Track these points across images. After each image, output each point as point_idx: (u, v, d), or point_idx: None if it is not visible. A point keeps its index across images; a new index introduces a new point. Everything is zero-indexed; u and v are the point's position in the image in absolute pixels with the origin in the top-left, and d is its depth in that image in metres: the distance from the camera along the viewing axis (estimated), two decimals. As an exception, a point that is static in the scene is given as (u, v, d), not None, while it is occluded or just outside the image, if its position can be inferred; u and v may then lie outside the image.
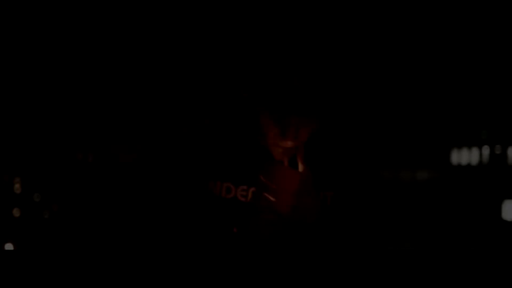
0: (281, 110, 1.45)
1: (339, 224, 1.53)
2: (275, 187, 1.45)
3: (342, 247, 1.52)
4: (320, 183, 1.55)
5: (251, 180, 1.54)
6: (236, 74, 1.61)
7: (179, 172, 1.65)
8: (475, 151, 53.50)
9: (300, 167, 1.51)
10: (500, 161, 50.98)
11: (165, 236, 1.61)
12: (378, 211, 1.67)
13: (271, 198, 1.46)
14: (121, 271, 1.67)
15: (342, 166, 1.65)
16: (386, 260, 1.64)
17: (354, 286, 1.54)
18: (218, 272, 1.53)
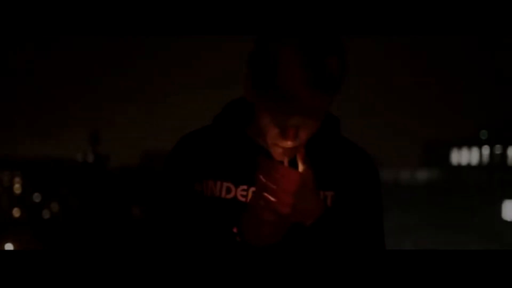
0: (281, 111, 1.45)
1: (339, 224, 1.52)
2: (275, 187, 1.45)
3: (342, 247, 1.52)
4: (320, 183, 1.55)
5: (251, 180, 1.54)
6: (237, 74, 1.61)
7: (179, 172, 1.65)
8: (475, 151, 53.54)
9: (300, 167, 1.51)
10: (500, 161, 50.98)
11: (165, 236, 1.61)
12: (378, 211, 1.67)
13: (271, 198, 1.46)
14: (121, 271, 1.67)
15: (342, 166, 1.65)
16: (386, 260, 1.64)
17: (353, 286, 1.54)
18: (218, 272, 1.53)
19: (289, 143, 1.49)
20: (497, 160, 51.11)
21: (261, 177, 1.47)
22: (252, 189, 1.57)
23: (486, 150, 52.23)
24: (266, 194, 1.46)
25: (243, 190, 1.60)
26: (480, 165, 52.47)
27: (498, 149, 51.23)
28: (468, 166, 53.63)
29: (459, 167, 54.40)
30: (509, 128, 50.20)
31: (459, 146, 54.56)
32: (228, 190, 1.60)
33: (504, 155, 50.81)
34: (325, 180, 1.60)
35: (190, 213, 1.61)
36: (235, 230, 1.51)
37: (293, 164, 1.51)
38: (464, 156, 54.33)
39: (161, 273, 1.57)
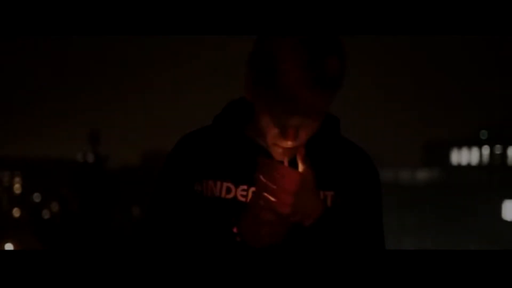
0: (281, 111, 1.45)
1: (339, 224, 1.52)
2: (275, 187, 1.45)
3: (342, 247, 1.52)
4: (320, 183, 1.55)
5: (251, 180, 1.54)
6: (237, 74, 1.61)
7: (179, 172, 1.65)
8: (475, 151, 53.51)
9: (300, 167, 1.51)
10: (500, 161, 50.96)
11: (165, 236, 1.61)
12: (378, 211, 1.67)
13: (271, 198, 1.46)
14: (121, 271, 1.67)
15: (342, 166, 1.65)
16: (386, 260, 1.64)
17: (353, 286, 1.54)
18: (218, 272, 1.53)
19: (289, 143, 1.49)
20: (497, 160, 51.09)
21: (261, 177, 1.47)
22: (252, 189, 1.57)
23: (486, 150, 52.22)
24: (266, 194, 1.46)
25: (243, 190, 1.60)
26: (480, 165, 52.45)
27: (498, 149, 51.21)
28: (468, 166, 53.61)
29: (459, 167, 54.38)
30: (509, 128, 50.19)
31: (459, 146, 54.54)
32: (228, 190, 1.60)
33: (504, 155, 50.80)
34: (325, 180, 1.60)
35: (190, 213, 1.61)
36: (235, 230, 1.51)
37: (293, 164, 1.51)
38: (464, 156, 54.31)
39: (161, 273, 1.57)
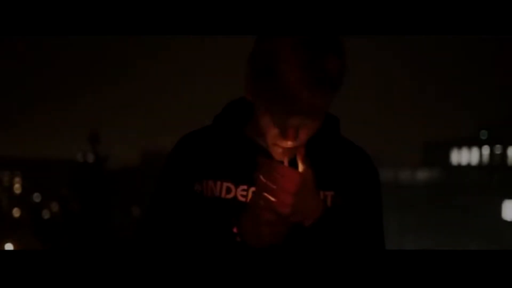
0: (281, 111, 1.46)
1: (339, 224, 1.53)
2: (275, 187, 1.45)
3: (342, 247, 1.52)
4: (320, 183, 1.55)
5: (251, 180, 1.54)
6: (237, 73, 1.61)
7: (179, 172, 1.65)
8: (475, 151, 53.50)
9: (300, 167, 1.51)
10: (500, 161, 50.94)
11: (165, 236, 1.61)
12: (378, 211, 1.67)
13: (271, 198, 1.46)
14: (121, 271, 1.67)
15: (342, 166, 1.65)
16: (386, 260, 1.64)
17: (353, 286, 1.54)
18: (218, 273, 1.53)
19: (289, 143, 1.49)
20: (497, 160, 51.13)
21: (261, 177, 1.47)
22: (252, 189, 1.57)
23: (486, 150, 52.25)
24: (266, 194, 1.46)
25: (243, 190, 1.60)
26: (480, 165, 52.48)
27: (498, 149, 51.25)
28: (468, 166, 53.64)
29: (459, 167, 54.41)
30: (509, 128, 50.21)
31: (459, 146, 54.57)
32: (228, 190, 1.61)
33: (504, 155, 50.83)
34: (325, 180, 1.60)
35: (190, 213, 1.61)
36: (235, 230, 1.51)
37: (293, 164, 1.51)
38: (464, 156, 54.33)
39: (161, 273, 1.57)
